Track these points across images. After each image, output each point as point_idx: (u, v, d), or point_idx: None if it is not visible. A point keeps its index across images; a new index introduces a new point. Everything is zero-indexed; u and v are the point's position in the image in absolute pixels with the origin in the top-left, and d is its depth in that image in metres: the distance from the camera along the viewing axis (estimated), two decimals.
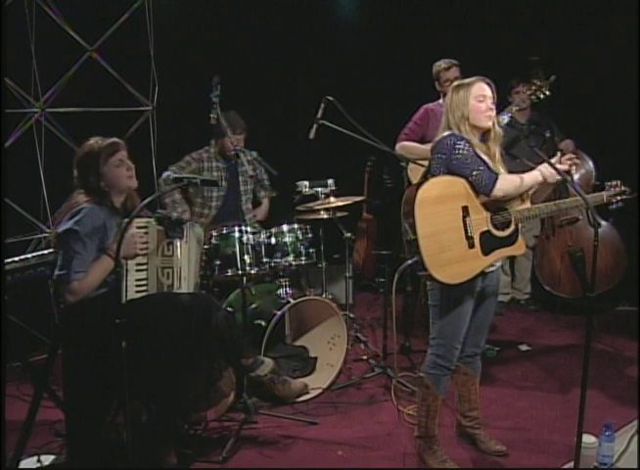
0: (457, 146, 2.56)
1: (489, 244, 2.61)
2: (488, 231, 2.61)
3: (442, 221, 2.53)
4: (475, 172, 2.55)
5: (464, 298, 2.61)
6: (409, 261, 2.52)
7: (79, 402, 2.72)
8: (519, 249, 2.72)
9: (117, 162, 2.76)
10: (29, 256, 2.79)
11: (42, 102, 4.10)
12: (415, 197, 2.49)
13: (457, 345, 2.67)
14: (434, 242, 2.50)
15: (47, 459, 2.83)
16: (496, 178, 2.55)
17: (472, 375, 2.88)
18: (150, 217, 2.83)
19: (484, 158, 2.62)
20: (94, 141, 2.77)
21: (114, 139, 2.80)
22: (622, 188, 2.85)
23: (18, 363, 3.23)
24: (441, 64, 4.01)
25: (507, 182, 2.58)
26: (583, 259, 4.19)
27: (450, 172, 2.58)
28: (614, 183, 2.87)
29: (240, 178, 4.04)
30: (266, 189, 4.33)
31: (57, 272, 2.62)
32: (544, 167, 2.66)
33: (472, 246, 2.57)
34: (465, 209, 2.57)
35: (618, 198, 2.84)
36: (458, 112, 2.63)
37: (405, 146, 4.02)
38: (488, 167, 2.59)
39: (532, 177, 2.66)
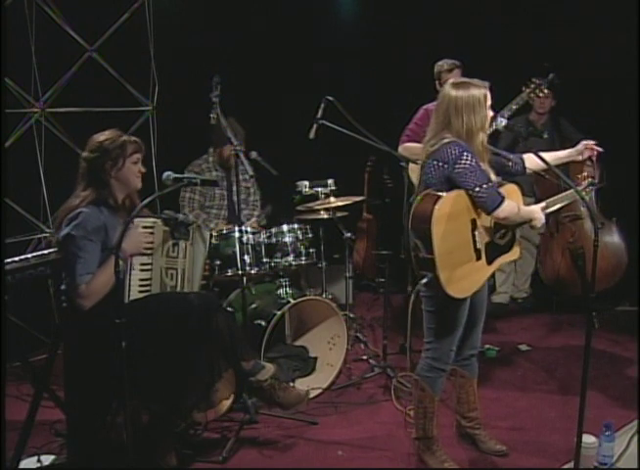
0: (463, 157, 2.46)
1: (492, 253, 2.62)
2: (492, 241, 2.62)
3: (456, 237, 2.51)
4: (480, 188, 2.47)
5: (459, 302, 2.60)
6: (424, 281, 2.49)
7: (79, 402, 2.73)
8: (515, 254, 2.75)
9: (136, 159, 2.77)
10: (29, 256, 2.79)
11: (42, 102, 4.10)
12: (431, 215, 2.43)
13: (453, 347, 2.69)
14: (449, 259, 2.48)
15: (47, 459, 2.83)
16: (502, 200, 2.50)
17: (469, 378, 2.89)
18: (156, 218, 2.83)
19: (483, 166, 2.54)
20: (116, 133, 2.75)
21: (137, 139, 2.82)
22: (589, 179, 2.85)
23: (18, 363, 3.23)
24: (444, 64, 3.96)
25: (510, 208, 2.53)
26: (584, 257, 4.20)
27: (449, 182, 2.52)
28: (582, 176, 2.89)
29: (234, 188, 3.98)
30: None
31: (64, 280, 2.64)
32: (539, 211, 2.64)
33: (479, 258, 2.58)
34: (473, 222, 2.56)
35: (588, 189, 2.83)
36: (478, 117, 2.50)
37: (408, 147, 3.97)
38: (493, 184, 2.53)
39: (527, 212, 2.63)
